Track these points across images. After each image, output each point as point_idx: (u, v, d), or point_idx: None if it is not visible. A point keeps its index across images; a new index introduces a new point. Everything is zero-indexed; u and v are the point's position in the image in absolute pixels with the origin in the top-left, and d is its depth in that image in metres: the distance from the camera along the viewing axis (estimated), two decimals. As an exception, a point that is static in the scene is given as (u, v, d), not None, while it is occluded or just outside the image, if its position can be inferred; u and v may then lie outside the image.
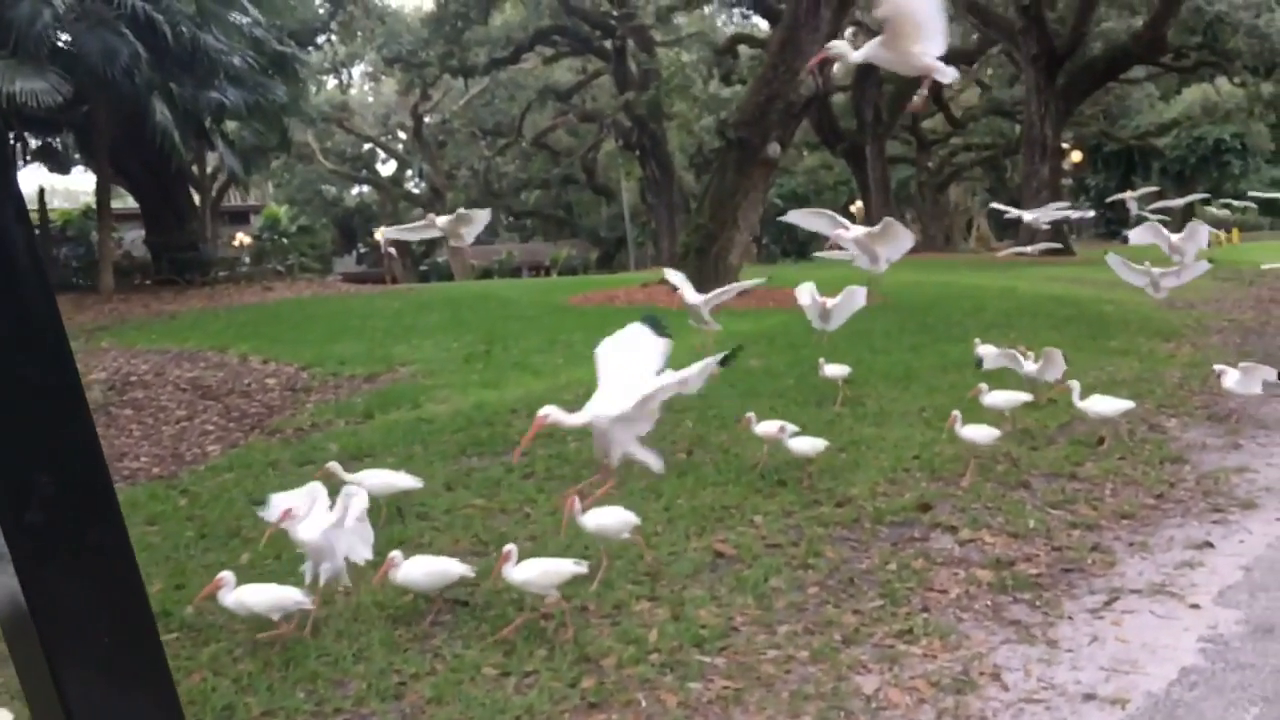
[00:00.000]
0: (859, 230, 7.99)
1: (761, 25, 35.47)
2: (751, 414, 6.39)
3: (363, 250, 51.83)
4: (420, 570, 4.21)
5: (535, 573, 4.15)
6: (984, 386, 7.21)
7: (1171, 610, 4.49)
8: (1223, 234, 36.77)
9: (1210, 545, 5.25)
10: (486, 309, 14.60)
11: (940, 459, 6.71)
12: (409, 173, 50.07)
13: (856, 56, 5.17)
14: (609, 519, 4.63)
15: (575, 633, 4.25)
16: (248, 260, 31.49)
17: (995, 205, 17.54)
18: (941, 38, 4.74)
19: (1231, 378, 7.61)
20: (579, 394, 8.70)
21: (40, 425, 0.80)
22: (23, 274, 0.78)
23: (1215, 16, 29.17)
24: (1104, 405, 7.01)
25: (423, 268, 51.00)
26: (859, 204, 39.47)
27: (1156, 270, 10.55)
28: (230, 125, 19.21)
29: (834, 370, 7.97)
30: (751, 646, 4.17)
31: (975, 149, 45.88)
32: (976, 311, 13.56)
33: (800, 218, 8.86)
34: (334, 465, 5.31)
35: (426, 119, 44.92)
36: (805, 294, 8.49)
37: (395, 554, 4.22)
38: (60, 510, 0.80)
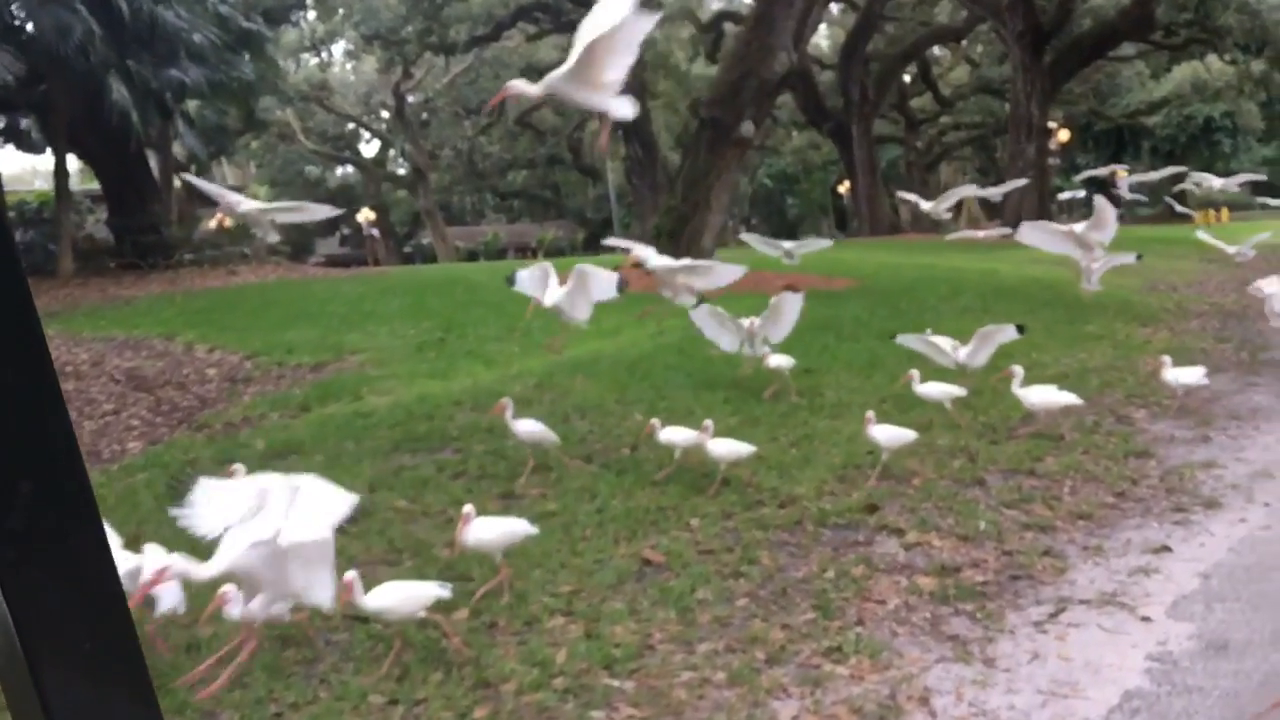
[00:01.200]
0: (661, 261, 6.73)
1: (748, 1, 34.93)
2: (656, 421, 5.98)
3: (346, 232, 51.26)
4: (259, 603, 3.69)
5: (393, 599, 3.78)
6: (915, 374, 6.92)
7: (1120, 623, 4.19)
8: (1211, 213, 36.48)
9: (1168, 549, 4.95)
10: (452, 294, 14.23)
11: (895, 455, 6.39)
12: (392, 153, 49.46)
13: (536, 90, 5.29)
14: (490, 532, 4.26)
15: (478, 653, 3.95)
16: (225, 242, 30.96)
17: (902, 194, 16.80)
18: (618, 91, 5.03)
19: (1172, 372, 7.36)
20: (528, 385, 8.41)
21: (19, 429, 0.80)
22: None
23: (1206, -7, 28.78)
24: (1043, 396, 6.75)
25: (407, 249, 50.54)
26: (847, 184, 39.11)
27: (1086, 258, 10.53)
28: (193, 104, 18.70)
29: (778, 361, 7.64)
30: (666, 668, 3.87)
31: (965, 128, 45.50)
32: (953, 295, 13.22)
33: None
34: (237, 467, 4.98)
35: (409, 98, 44.30)
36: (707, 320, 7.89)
37: (227, 589, 3.68)
38: (41, 515, 0.80)
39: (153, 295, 14.80)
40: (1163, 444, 6.77)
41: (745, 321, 7.71)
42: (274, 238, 7.00)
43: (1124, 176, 21.76)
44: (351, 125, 48.76)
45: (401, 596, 3.77)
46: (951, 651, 4.00)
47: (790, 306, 7.68)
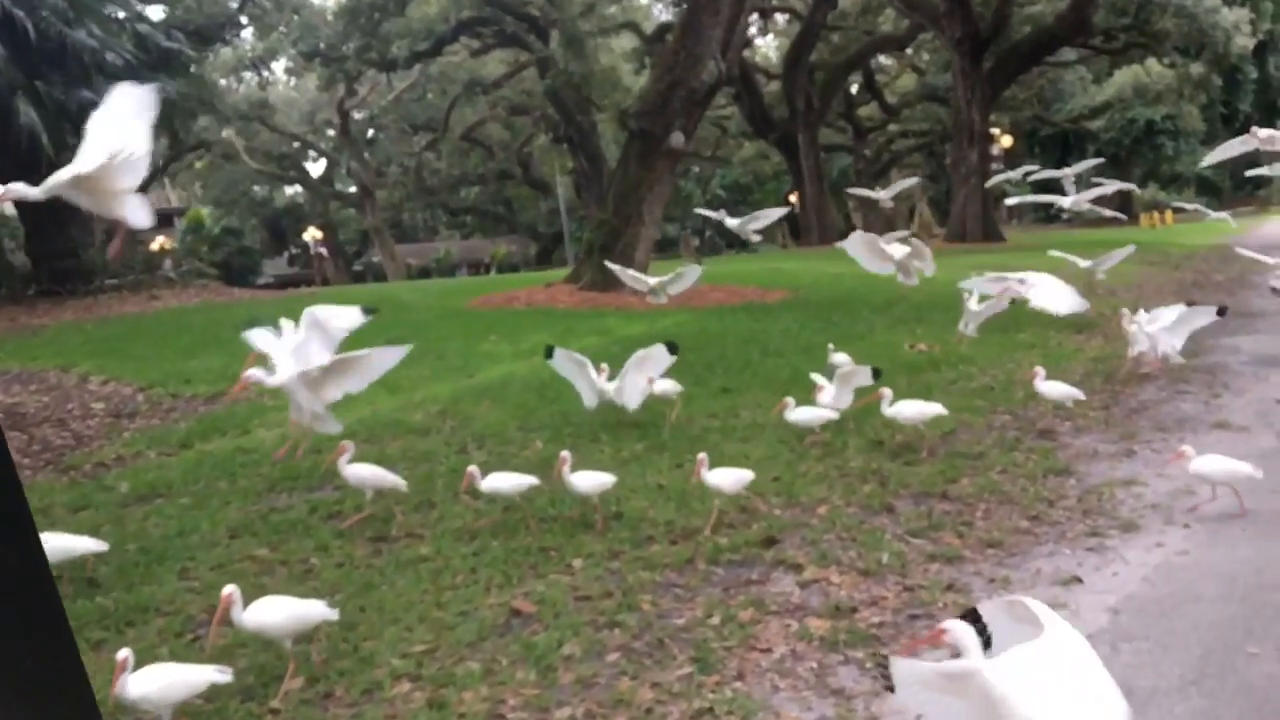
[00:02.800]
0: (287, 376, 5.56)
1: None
2: (474, 468, 5.36)
3: (294, 251, 50.48)
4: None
5: (155, 686, 3.31)
6: (790, 401, 6.64)
7: (1020, 670, 3.84)
8: (1155, 215, 36.80)
9: (1079, 580, 4.62)
10: (378, 315, 13.72)
11: (803, 480, 6.06)
12: (341, 170, 48.79)
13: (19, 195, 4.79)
14: (273, 615, 3.80)
15: (303, 730, 3.51)
16: (169, 265, 30.13)
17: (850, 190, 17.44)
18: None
19: (1044, 385, 7.20)
20: (430, 412, 8.00)
21: None
22: None
23: (1144, -3, 28.96)
24: (912, 410, 6.51)
25: (357, 267, 49.84)
26: (796, 194, 39.07)
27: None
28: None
29: (664, 386, 7.25)
30: (513, 741, 3.46)
31: (912, 135, 45.74)
32: (887, 306, 12.97)
33: None
34: None
35: (354, 115, 43.71)
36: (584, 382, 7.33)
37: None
38: None
39: (64, 323, 14.16)
40: (1084, 460, 6.47)
41: (601, 374, 7.25)
42: None
43: (1067, 174, 21.85)
44: (297, 144, 48.03)
45: (165, 682, 3.31)
46: (834, 709, 3.63)
47: (657, 363, 7.20)
